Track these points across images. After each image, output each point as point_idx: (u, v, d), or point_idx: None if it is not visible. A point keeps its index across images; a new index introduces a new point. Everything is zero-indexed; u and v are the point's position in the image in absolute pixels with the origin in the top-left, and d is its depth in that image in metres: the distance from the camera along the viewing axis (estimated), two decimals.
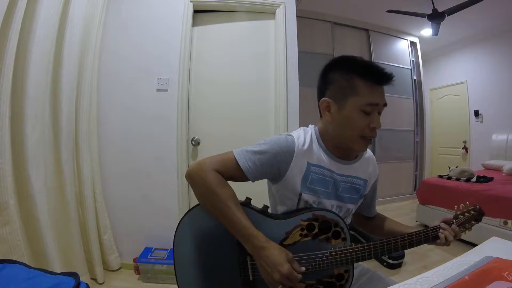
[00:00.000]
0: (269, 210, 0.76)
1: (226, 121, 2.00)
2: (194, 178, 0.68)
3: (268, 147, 0.70)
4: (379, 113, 0.71)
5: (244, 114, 2.01)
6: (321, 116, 0.76)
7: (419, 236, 0.69)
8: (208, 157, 0.70)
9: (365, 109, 0.67)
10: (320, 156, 0.74)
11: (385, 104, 0.70)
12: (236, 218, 0.64)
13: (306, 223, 0.70)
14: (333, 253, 0.68)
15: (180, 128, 1.88)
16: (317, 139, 0.76)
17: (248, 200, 0.73)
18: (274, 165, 0.70)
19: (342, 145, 0.74)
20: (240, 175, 0.69)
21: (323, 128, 0.76)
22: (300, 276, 0.62)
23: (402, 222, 0.87)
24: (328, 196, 0.75)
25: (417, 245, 0.70)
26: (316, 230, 0.70)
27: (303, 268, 0.65)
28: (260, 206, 0.74)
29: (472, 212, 0.72)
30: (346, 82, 0.69)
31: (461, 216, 0.72)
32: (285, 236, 0.70)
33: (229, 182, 0.70)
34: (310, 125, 0.81)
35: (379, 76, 0.67)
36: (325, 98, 0.72)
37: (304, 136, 0.75)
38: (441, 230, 0.70)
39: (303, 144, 0.73)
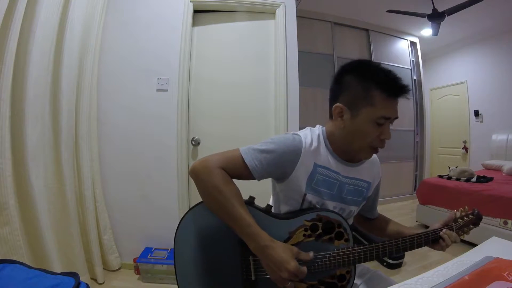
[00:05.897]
0: (273, 210, 0.76)
1: (226, 121, 2.00)
2: (199, 175, 0.66)
3: (275, 146, 0.69)
4: (391, 123, 0.70)
5: (244, 114, 2.01)
6: (331, 117, 0.75)
7: (419, 239, 0.70)
8: (213, 154, 0.69)
9: (378, 121, 0.67)
10: (327, 157, 0.74)
11: (397, 117, 0.69)
12: (241, 216, 0.63)
13: (310, 223, 0.70)
14: (337, 254, 0.68)
15: (180, 128, 1.87)
16: (324, 141, 0.75)
17: (252, 199, 0.72)
18: (280, 164, 0.70)
19: (349, 150, 0.74)
20: (246, 173, 0.68)
21: (331, 131, 0.75)
22: (305, 269, 0.62)
23: (402, 222, 0.87)
24: (332, 198, 0.75)
25: (417, 248, 0.70)
26: (320, 231, 0.70)
27: (311, 254, 0.65)
28: (263, 205, 0.73)
29: (470, 216, 0.73)
30: (363, 90, 0.67)
31: (460, 220, 0.73)
32: (288, 236, 0.70)
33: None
34: (317, 125, 0.80)
35: (398, 90, 0.66)
36: (338, 104, 0.70)
37: (311, 136, 0.74)
38: (441, 234, 0.70)
39: (310, 145, 0.72)
